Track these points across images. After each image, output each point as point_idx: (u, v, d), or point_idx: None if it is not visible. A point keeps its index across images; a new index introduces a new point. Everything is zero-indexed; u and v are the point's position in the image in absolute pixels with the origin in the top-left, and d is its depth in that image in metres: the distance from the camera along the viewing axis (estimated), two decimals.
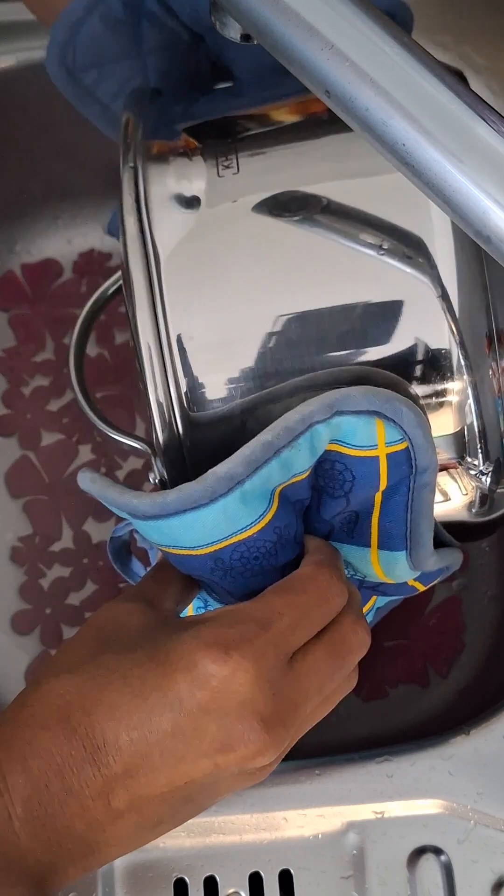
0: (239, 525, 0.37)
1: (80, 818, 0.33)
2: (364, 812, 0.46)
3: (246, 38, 0.38)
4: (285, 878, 0.45)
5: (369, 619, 0.48)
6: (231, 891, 0.45)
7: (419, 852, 0.46)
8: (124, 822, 0.34)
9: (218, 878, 0.45)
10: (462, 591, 0.63)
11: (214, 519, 0.37)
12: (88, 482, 0.39)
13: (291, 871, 0.46)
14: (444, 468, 0.41)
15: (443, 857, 0.46)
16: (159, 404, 0.39)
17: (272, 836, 0.46)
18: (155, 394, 0.39)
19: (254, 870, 0.46)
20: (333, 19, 0.32)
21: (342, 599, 0.37)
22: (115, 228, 0.59)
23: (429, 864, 0.46)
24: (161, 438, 0.40)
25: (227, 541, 0.37)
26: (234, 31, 0.38)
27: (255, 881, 0.45)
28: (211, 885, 0.45)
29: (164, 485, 0.41)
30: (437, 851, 0.46)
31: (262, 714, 0.33)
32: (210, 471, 0.36)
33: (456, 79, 0.31)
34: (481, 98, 0.31)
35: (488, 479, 0.41)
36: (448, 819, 0.46)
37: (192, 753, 0.33)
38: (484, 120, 0.31)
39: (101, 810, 0.33)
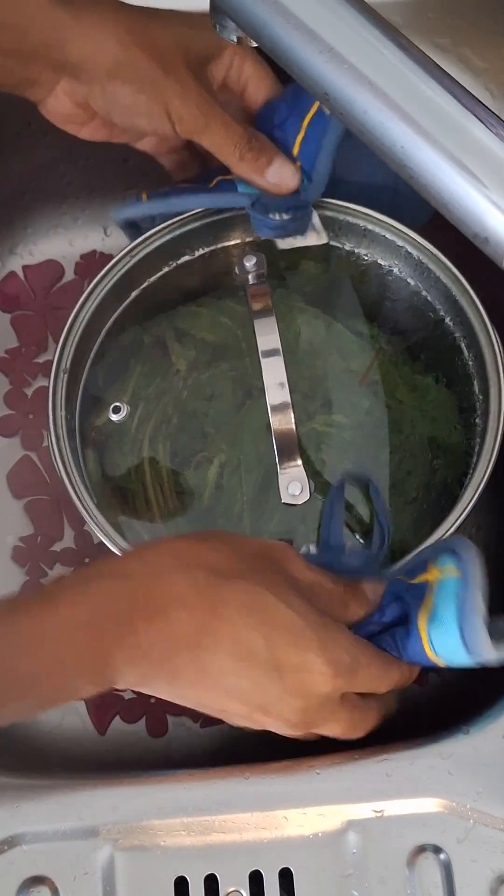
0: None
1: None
2: (364, 811, 0.47)
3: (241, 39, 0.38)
4: (286, 877, 0.46)
5: None
6: (231, 889, 0.45)
7: (419, 851, 0.46)
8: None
9: (218, 877, 0.46)
10: None
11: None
12: None
13: (292, 869, 0.46)
14: None
15: (442, 856, 0.46)
16: None
17: (272, 835, 0.46)
18: None
19: (254, 868, 0.46)
20: (332, 22, 0.32)
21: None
22: (123, 218, 0.60)
23: (428, 862, 0.46)
24: None
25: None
26: (233, 34, 0.38)
27: (256, 879, 0.46)
28: (211, 884, 0.45)
29: None
30: (437, 850, 0.46)
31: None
32: None
33: (454, 81, 0.32)
34: (479, 100, 0.31)
35: None
36: (447, 818, 0.46)
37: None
38: (482, 122, 0.31)
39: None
